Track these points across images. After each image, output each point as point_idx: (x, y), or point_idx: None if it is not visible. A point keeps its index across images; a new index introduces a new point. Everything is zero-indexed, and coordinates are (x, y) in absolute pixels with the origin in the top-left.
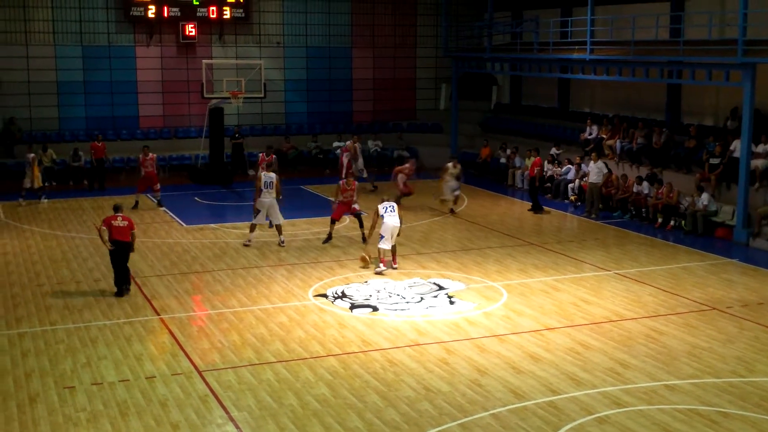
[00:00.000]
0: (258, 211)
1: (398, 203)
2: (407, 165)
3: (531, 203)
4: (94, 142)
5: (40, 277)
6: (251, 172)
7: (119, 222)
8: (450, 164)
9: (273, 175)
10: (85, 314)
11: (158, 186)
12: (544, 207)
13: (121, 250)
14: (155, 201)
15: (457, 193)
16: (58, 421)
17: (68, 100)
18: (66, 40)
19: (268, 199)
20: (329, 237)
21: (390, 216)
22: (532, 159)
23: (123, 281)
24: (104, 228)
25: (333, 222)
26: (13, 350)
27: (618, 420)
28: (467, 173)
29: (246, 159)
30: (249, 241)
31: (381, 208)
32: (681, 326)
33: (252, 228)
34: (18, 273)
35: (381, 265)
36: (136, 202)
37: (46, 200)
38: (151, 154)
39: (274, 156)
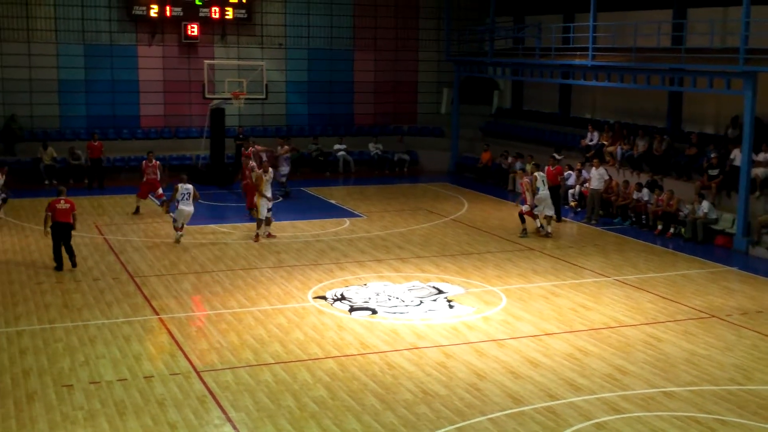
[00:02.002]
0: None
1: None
2: (524, 179)
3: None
4: (90, 142)
5: (39, 275)
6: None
7: (62, 205)
8: (537, 173)
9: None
10: (84, 313)
11: (160, 191)
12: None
13: (63, 229)
14: (158, 203)
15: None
16: (56, 419)
17: (69, 99)
18: (68, 38)
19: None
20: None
21: (185, 203)
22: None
23: (60, 259)
24: (48, 213)
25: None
26: (11, 348)
27: (616, 426)
28: (467, 178)
29: None
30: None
31: (179, 193)
32: (680, 333)
33: (259, 224)
34: (17, 271)
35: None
36: (137, 208)
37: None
38: (155, 161)
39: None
